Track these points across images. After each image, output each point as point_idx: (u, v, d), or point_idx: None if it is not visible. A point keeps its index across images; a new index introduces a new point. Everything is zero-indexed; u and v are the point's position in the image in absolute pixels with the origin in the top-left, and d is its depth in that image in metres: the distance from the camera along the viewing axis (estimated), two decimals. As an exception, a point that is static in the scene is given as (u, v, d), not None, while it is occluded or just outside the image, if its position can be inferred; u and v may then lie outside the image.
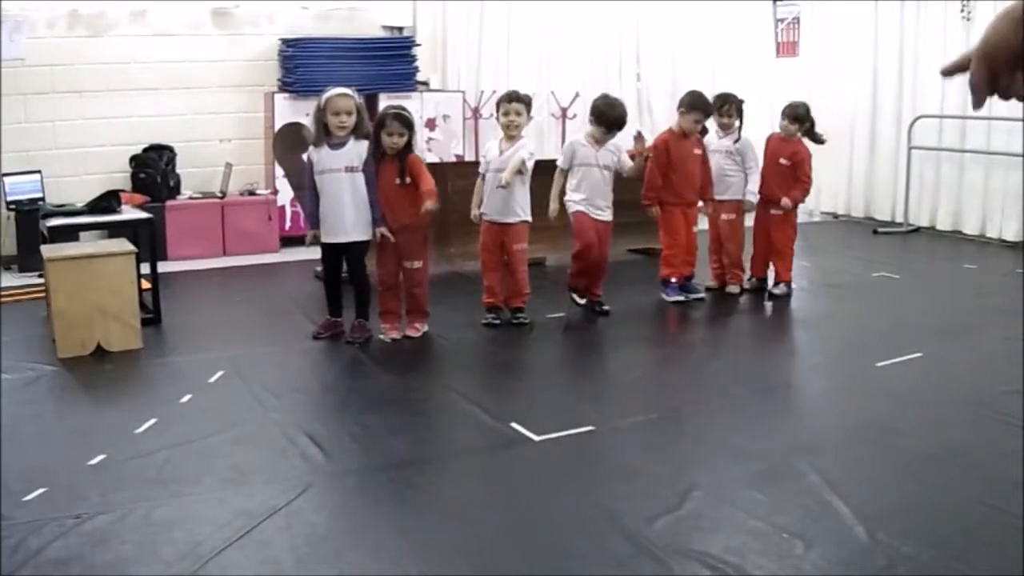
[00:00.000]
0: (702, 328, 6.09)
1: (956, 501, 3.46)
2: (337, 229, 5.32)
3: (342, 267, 5.52)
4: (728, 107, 6.49)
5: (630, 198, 6.80)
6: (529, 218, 5.80)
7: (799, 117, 6.47)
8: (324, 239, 5.38)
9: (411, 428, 4.28)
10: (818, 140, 6.59)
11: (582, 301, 6.07)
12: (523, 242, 5.78)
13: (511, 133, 5.74)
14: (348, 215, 5.29)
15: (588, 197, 5.92)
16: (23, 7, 7.55)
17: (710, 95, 6.55)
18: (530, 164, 5.70)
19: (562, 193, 5.99)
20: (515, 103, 5.72)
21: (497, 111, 5.88)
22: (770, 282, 6.64)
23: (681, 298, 6.29)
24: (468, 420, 4.31)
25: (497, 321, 5.75)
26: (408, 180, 5.33)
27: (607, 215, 5.99)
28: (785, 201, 6.46)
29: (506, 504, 3.54)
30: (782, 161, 6.49)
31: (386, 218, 5.35)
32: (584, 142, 6.00)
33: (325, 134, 5.30)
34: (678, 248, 6.29)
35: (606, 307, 6.04)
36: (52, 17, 7.76)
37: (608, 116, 5.93)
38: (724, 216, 6.56)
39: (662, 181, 6.25)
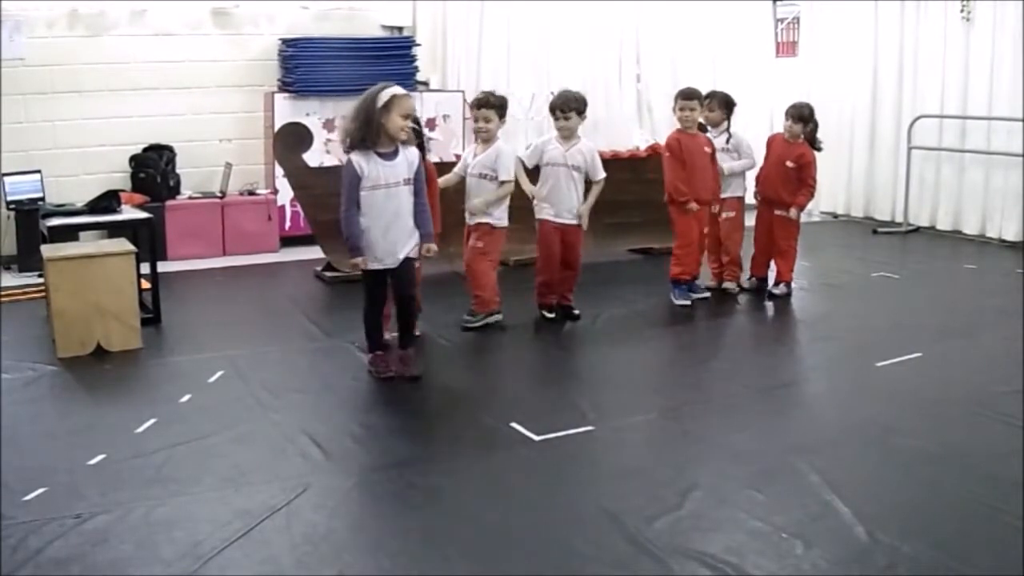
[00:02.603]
0: (702, 328, 6.09)
1: (956, 501, 3.46)
2: (391, 251, 4.67)
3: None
4: (711, 101, 6.46)
5: (630, 198, 6.84)
6: (492, 221, 5.68)
7: (804, 118, 6.45)
8: (374, 265, 4.68)
9: (411, 428, 4.28)
10: (816, 147, 6.58)
11: (551, 316, 5.92)
12: (480, 241, 5.70)
13: (483, 138, 5.70)
14: (404, 234, 4.70)
15: (553, 201, 5.82)
16: (23, 7, 7.54)
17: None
18: (510, 165, 5.65)
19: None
20: (483, 109, 5.65)
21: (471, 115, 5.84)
22: (770, 282, 6.64)
23: (687, 302, 6.27)
24: (468, 420, 4.31)
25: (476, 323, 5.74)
26: None
27: (575, 219, 5.88)
28: (793, 211, 6.47)
29: (506, 504, 3.54)
30: (788, 164, 6.45)
31: None
32: (554, 142, 5.91)
33: (375, 140, 4.56)
34: (691, 247, 6.26)
35: (576, 311, 5.95)
36: (52, 17, 7.75)
37: (551, 103, 5.92)
38: (724, 214, 6.54)
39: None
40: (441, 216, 5.49)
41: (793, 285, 6.64)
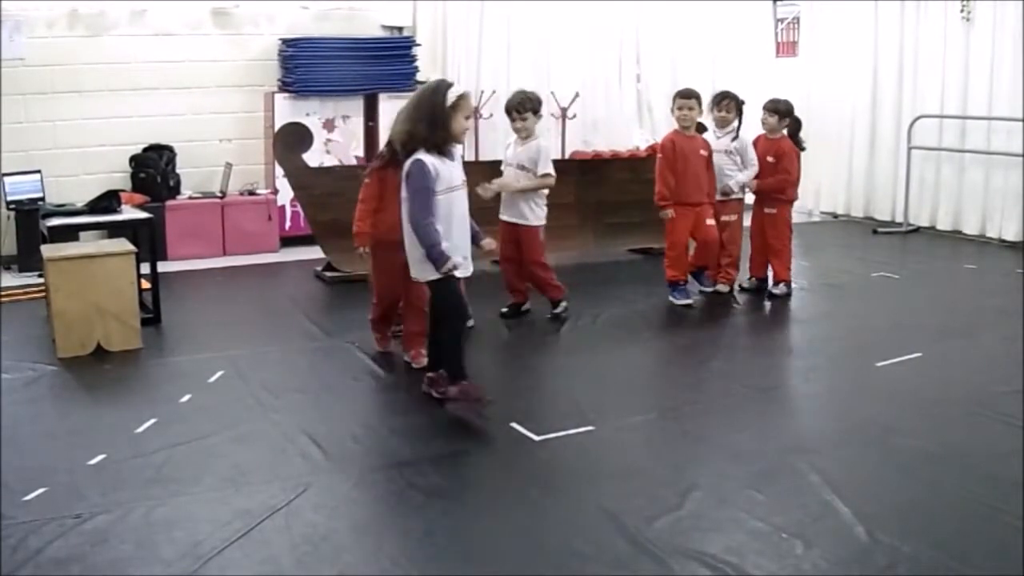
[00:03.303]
0: (702, 328, 6.08)
1: (956, 501, 3.46)
2: (467, 258, 4.47)
3: None
4: (727, 102, 6.41)
5: (630, 198, 6.84)
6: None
7: (779, 111, 6.44)
8: (460, 273, 4.38)
9: (411, 428, 4.28)
10: (800, 145, 6.56)
11: (504, 311, 5.99)
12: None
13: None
14: (468, 239, 4.50)
15: (505, 200, 5.86)
16: (23, 7, 7.54)
17: (710, 95, 6.53)
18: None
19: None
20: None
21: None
22: (770, 282, 6.63)
23: (687, 301, 6.26)
24: (468, 420, 4.31)
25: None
26: None
27: (527, 219, 5.86)
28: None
29: (506, 504, 3.54)
30: (769, 159, 6.47)
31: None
32: (512, 143, 5.99)
33: (444, 141, 4.30)
34: (679, 249, 6.26)
35: (557, 311, 5.98)
36: (52, 17, 7.75)
37: (506, 104, 5.96)
38: (724, 217, 6.49)
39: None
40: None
41: (793, 285, 6.64)
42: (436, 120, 4.22)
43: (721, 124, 6.48)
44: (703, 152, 6.24)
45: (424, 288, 4.56)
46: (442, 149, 4.26)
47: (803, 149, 6.64)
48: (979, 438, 4.07)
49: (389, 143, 4.63)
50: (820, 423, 4.37)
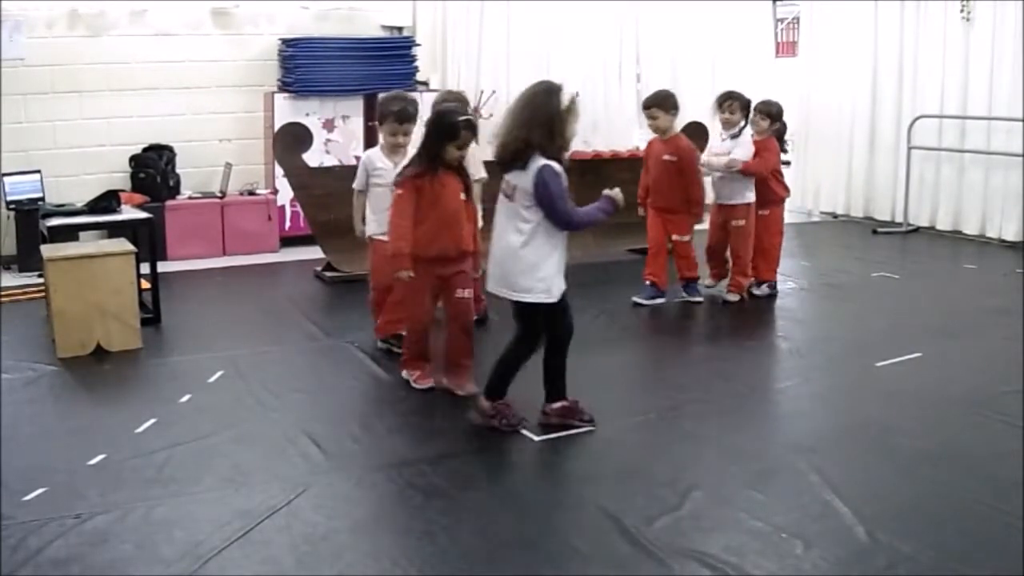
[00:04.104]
0: (702, 328, 6.09)
1: (956, 501, 3.46)
2: None
3: None
4: (730, 103, 6.30)
5: (629, 198, 6.76)
6: None
7: (771, 114, 6.38)
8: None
9: (411, 428, 4.28)
10: (783, 148, 6.56)
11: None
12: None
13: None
14: None
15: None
16: (23, 7, 7.54)
17: (711, 95, 6.51)
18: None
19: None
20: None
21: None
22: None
23: (649, 303, 6.22)
24: (468, 420, 4.30)
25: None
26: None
27: None
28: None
29: (506, 504, 3.54)
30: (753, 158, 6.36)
31: (449, 243, 4.47)
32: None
33: (562, 147, 4.02)
34: (651, 249, 6.33)
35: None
36: (52, 17, 7.75)
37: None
38: (734, 223, 6.35)
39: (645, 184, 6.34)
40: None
41: (779, 287, 6.60)
42: (554, 126, 3.92)
43: (726, 126, 6.38)
44: (666, 157, 6.15)
45: (470, 303, 4.51)
46: (560, 157, 3.96)
47: (785, 151, 6.62)
48: (979, 438, 4.07)
49: (425, 151, 4.41)
50: (820, 423, 4.37)
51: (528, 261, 3.97)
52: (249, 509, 3.37)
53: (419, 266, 4.40)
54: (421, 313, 4.59)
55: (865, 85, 9.55)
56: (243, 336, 5.70)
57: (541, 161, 3.90)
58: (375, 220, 5.18)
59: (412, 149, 5.06)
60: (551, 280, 4.00)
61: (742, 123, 6.32)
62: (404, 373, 4.77)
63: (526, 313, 4.07)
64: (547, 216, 3.94)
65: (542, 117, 3.92)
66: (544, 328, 4.10)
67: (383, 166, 5.17)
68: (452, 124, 4.34)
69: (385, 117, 5.23)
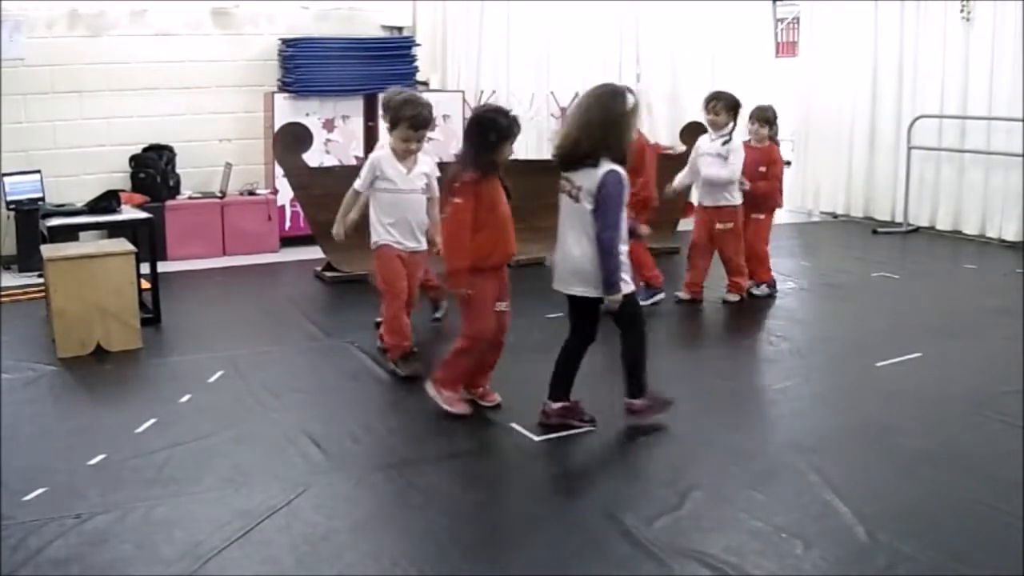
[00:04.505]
0: (701, 328, 6.09)
1: (956, 501, 3.46)
2: None
3: None
4: (715, 104, 6.16)
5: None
6: None
7: (768, 119, 6.37)
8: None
9: (411, 428, 4.28)
10: (773, 139, 6.54)
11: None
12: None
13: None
14: None
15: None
16: (23, 7, 7.54)
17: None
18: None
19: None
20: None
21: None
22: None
23: (650, 302, 6.08)
24: (468, 420, 4.30)
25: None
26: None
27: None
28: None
29: (506, 504, 3.55)
30: (760, 168, 6.32)
31: (509, 249, 4.30)
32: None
33: (625, 152, 4.05)
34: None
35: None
36: (52, 17, 7.76)
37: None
38: (719, 225, 6.25)
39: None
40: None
41: (779, 286, 6.60)
42: (620, 128, 3.96)
43: (713, 127, 6.22)
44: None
45: (509, 316, 4.39)
46: (624, 159, 3.99)
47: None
48: (979, 438, 4.07)
49: (478, 154, 4.15)
50: (820, 423, 4.37)
51: (596, 259, 3.99)
52: (249, 509, 3.37)
53: (479, 276, 4.19)
54: (487, 326, 4.28)
55: (865, 85, 9.55)
56: (243, 336, 5.70)
57: (610, 165, 3.93)
58: (384, 227, 4.92)
59: (422, 155, 5.04)
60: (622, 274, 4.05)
61: (731, 124, 6.18)
62: (437, 391, 4.35)
63: (594, 309, 4.12)
64: (597, 217, 3.95)
65: (610, 118, 3.94)
66: (620, 320, 4.14)
67: (394, 172, 4.90)
68: (508, 124, 4.17)
69: (399, 121, 4.85)
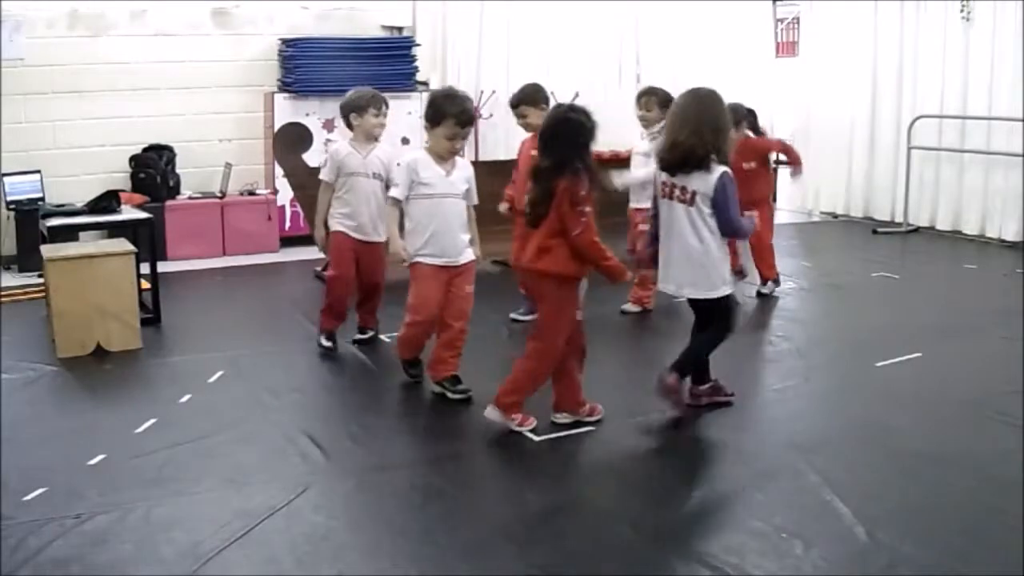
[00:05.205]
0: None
1: (956, 501, 3.46)
2: None
3: None
4: (646, 99, 5.89)
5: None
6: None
7: (737, 120, 6.00)
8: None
9: (411, 428, 4.28)
10: (757, 131, 6.49)
11: (328, 344, 5.25)
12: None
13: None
14: None
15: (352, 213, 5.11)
16: (23, 7, 7.55)
17: None
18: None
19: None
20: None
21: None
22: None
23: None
24: (468, 420, 4.30)
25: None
26: None
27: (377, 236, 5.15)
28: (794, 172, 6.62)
29: (506, 504, 3.54)
30: (746, 166, 6.02)
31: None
32: (350, 148, 5.25)
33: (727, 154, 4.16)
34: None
35: (369, 333, 5.41)
36: (52, 17, 7.76)
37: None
38: (642, 227, 5.72)
39: None
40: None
41: (784, 284, 6.61)
42: (724, 131, 4.10)
43: (643, 124, 5.90)
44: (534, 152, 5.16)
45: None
46: (728, 161, 4.12)
47: (761, 134, 6.62)
48: (979, 438, 4.07)
49: (577, 159, 3.95)
50: (820, 423, 4.37)
51: (715, 261, 4.18)
52: (249, 509, 3.37)
53: (566, 286, 4.06)
54: (563, 341, 4.10)
55: (865, 85, 9.55)
56: (243, 336, 5.70)
57: (721, 168, 4.05)
58: (422, 237, 4.42)
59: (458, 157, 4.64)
60: (727, 274, 4.29)
61: (663, 121, 5.68)
62: (508, 418, 4.09)
63: (713, 307, 4.29)
64: (718, 220, 4.12)
65: (715, 122, 4.05)
66: (718, 317, 4.32)
67: (432, 175, 4.41)
68: (592, 126, 4.01)
69: (443, 118, 4.37)
